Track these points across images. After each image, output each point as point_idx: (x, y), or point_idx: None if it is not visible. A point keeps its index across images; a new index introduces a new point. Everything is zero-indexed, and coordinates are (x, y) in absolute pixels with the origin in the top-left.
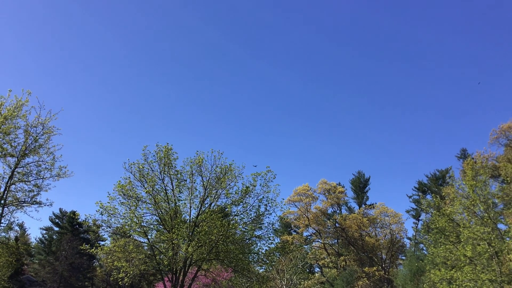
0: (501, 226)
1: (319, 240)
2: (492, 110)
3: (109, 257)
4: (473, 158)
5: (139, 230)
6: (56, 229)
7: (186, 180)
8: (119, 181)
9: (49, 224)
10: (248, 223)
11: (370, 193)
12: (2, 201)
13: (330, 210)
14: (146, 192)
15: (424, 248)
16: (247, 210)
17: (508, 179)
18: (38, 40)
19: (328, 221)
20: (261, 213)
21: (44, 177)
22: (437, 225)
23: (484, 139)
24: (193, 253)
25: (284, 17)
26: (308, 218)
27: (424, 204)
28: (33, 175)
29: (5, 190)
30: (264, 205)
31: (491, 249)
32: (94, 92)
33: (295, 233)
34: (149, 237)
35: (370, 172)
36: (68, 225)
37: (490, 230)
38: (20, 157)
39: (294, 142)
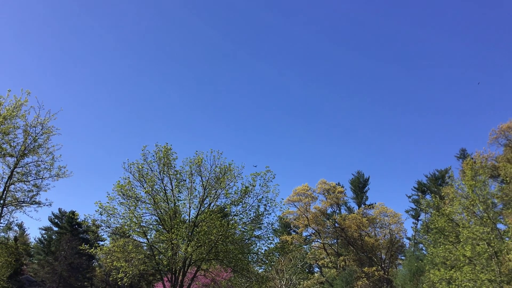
0: (500, 226)
1: (318, 240)
2: (491, 110)
3: (108, 257)
4: (472, 158)
5: (138, 230)
6: (56, 229)
7: (185, 180)
8: (118, 181)
9: (48, 224)
10: (247, 223)
11: (369, 193)
12: (1, 201)
13: (329, 210)
14: (145, 192)
15: (424, 248)
16: (246, 210)
17: (507, 179)
18: (37, 40)
19: (328, 221)
20: (260, 213)
21: (44, 177)
22: (437, 225)
23: (484, 139)
24: (192, 253)
25: (284, 17)
26: (307, 218)
27: (423, 204)
28: (32, 175)
29: (4, 190)
30: (264, 205)
31: (491, 249)
32: (93, 92)
33: (294, 233)
34: (148, 237)
35: (369, 172)
36: (68, 225)
37: (489, 230)
38: (19, 157)
39: (294, 142)
